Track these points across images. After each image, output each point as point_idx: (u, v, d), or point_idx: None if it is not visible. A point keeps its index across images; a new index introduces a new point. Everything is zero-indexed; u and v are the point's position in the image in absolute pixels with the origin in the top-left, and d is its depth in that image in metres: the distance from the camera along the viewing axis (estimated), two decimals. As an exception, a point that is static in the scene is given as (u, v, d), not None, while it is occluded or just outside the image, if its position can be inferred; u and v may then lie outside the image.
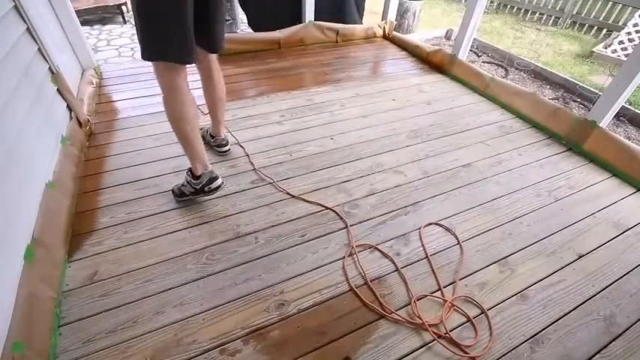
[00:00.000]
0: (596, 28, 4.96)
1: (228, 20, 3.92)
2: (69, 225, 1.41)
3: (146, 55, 1.21)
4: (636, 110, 2.84)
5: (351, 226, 1.49)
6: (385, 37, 3.57)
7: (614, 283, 1.33)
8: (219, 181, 1.51)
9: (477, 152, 1.99)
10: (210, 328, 1.13)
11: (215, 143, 1.84)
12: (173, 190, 1.57)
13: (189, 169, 1.49)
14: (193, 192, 1.51)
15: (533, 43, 4.46)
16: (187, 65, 1.28)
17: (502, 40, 4.63)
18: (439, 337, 1.13)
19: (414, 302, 1.22)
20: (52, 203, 1.35)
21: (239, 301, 1.21)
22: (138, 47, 3.62)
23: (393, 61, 3.13)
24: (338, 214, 1.55)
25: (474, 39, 3.15)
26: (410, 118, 2.27)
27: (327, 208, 1.58)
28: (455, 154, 1.97)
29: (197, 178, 1.48)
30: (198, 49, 1.32)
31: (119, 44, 3.76)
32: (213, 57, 1.54)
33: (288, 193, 1.63)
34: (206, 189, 1.49)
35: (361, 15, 3.65)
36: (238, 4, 3.59)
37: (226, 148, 1.85)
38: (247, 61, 2.91)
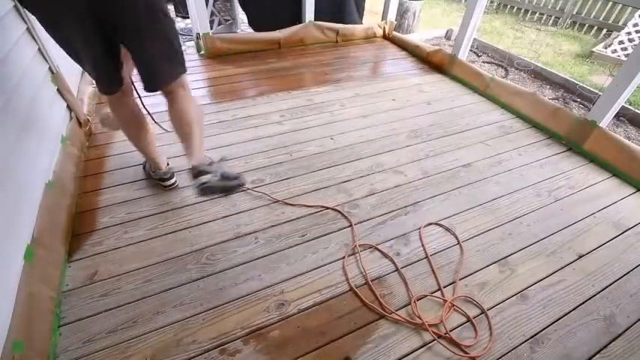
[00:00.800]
0: (596, 28, 4.95)
1: (228, 20, 3.92)
2: (69, 225, 1.41)
3: None
4: (636, 110, 2.84)
5: (350, 226, 1.49)
6: (385, 37, 3.57)
7: (614, 283, 1.33)
8: (169, 182, 1.62)
9: (477, 152, 1.99)
10: (210, 328, 1.13)
11: (195, 173, 1.22)
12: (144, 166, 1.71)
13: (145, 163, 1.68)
14: (149, 177, 1.67)
15: (533, 43, 4.46)
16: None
17: (502, 40, 4.63)
18: (439, 337, 1.13)
19: (414, 302, 1.22)
20: (52, 203, 1.35)
21: (239, 301, 1.21)
22: (138, 47, 3.62)
23: (393, 61, 3.13)
24: (342, 213, 1.55)
25: (474, 39, 3.15)
26: (410, 118, 2.27)
27: (328, 208, 1.58)
28: (455, 154, 1.97)
29: (153, 172, 1.61)
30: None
31: (119, 44, 3.75)
32: (175, 84, 1.25)
33: (286, 203, 1.63)
34: (162, 183, 1.63)
35: (361, 15, 3.65)
36: (238, 4, 3.59)
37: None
38: (247, 61, 2.91)
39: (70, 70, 1.92)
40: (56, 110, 1.72)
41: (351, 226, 1.50)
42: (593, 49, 4.11)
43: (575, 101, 3.10)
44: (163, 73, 1.22)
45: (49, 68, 1.72)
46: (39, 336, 1.01)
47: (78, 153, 1.74)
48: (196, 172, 1.19)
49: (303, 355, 1.08)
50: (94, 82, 1.27)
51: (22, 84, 1.42)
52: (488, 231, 1.51)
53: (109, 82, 1.23)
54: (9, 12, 1.46)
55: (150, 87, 1.23)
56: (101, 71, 1.19)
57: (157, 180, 1.62)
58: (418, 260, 1.38)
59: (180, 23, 4.47)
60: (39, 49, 1.65)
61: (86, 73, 1.22)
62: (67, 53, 1.15)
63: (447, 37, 4.51)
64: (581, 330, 1.18)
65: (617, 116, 2.83)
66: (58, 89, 1.75)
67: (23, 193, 1.23)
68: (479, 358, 1.09)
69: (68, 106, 1.83)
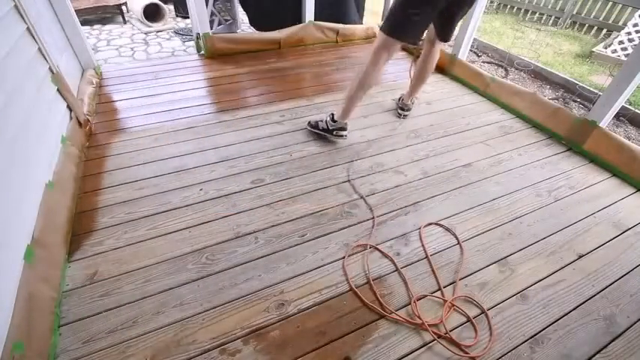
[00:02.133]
0: (596, 28, 4.95)
1: (228, 20, 3.92)
2: (69, 225, 1.41)
3: (382, 27, 1.66)
4: (636, 110, 2.84)
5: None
6: (385, 37, 3.56)
7: (614, 283, 1.33)
8: (345, 132, 1.93)
9: (477, 152, 1.99)
10: (210, 328, 1.13)
11: (400, 105, 2.27)
12: (309, 122, 2.03)
13: (332, 113, 1.92)
14: (325, 130, 1.95)
15: (533, 43, 4.46)
16: (399, 50, 1.76)
17: (502, 40, 4.63)
18: (439, 337, 1.13)
19: (414, 302, 1.22)
20: (52, 203, 1.35)
21: (239, 301, 1.21)
22: (137, 47, 3.63)
23: (393, 61, 3.11)
24: (368, 205, 1.60)
25: (474, 39, 3.15)
26: (410, 118, 2.27)
27: (362, 197, 1.64)
28: (455, 154, 1.97)
29: (334, 121, 1.90)
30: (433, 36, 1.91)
31: (119, 44, 3.75)
32: (438, 45, 1.98)
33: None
34: (334, 132, 1.92)
35: (361, 15, 3.65)
36: (239, 4, 3.59)
37: (406, 112, 2.23)
38: (247, 61, 2.91)
39: (70, 70, 1.93)
40: (56, 110, 1.72)
41: (373, 218, 1.53)
42: (593, 49, 4.11)
43: (575, 101, 3.10)
44: (448, 34, 1.86)
45: (49, 68, 1.72)
46: (39, 336, 1.01)
47: (78, 153, 1.74)
48: (407, 109, 2.24)
49: (303, 355, 1.08)
50: (399, 39, 1.66)
51: (22, 84, 1.42)
52: (488, 231, 1.52)
53: (418, 40, 1.79)
54: (9, 12, 1.46)
55: (447, 39, 1.89)
56: (420, 32, 1.68)
57: (334, 129, 1.91)
58: (418, 260, 1.38)
59: (180, 23, 4.48)
60: (39, 49, 1.65)
61: (398, 34, 1.63)
62: (405, 22, 1.60)
63: (447, 37, 4.50)
64: (581, 330, 1.18)
65: (617, 116, 2.83)
66: (58, 89, 1.75)
67: (23, 193, 1.23)
68: (479, 358, 1.09)
69: (68, 106, 1.83)
